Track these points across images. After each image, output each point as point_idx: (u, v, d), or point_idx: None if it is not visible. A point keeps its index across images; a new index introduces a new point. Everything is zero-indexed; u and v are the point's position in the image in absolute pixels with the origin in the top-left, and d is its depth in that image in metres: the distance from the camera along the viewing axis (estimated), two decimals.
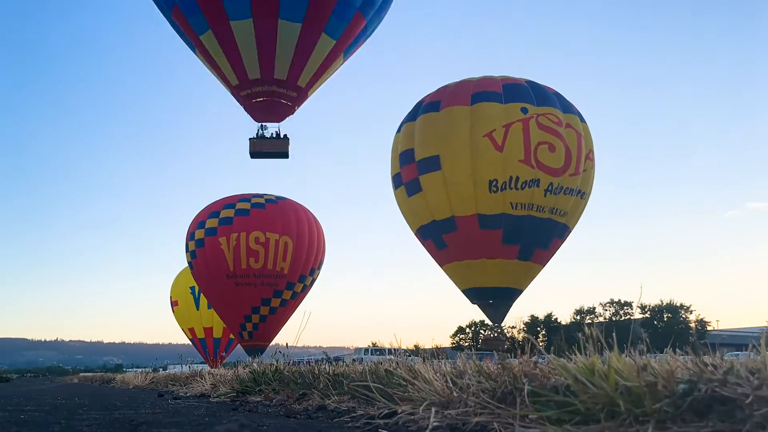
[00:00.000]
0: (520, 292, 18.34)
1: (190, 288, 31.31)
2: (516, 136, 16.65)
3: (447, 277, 19.12)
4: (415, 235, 18.90)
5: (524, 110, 16.95)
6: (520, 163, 16.62)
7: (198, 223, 24.67)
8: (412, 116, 18.62)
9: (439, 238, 17.87)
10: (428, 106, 18.15)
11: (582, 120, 18.11)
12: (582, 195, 17.71)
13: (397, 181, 18.69)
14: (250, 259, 23.13)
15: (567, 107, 17.84)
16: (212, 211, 24.64)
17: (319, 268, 25.36)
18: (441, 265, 18.73)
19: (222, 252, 23.21)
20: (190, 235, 24.89)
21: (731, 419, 1.98)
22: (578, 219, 18.39)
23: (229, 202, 24.71)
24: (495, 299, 18.20)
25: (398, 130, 19.06)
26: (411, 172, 17.81)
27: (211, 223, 24.01)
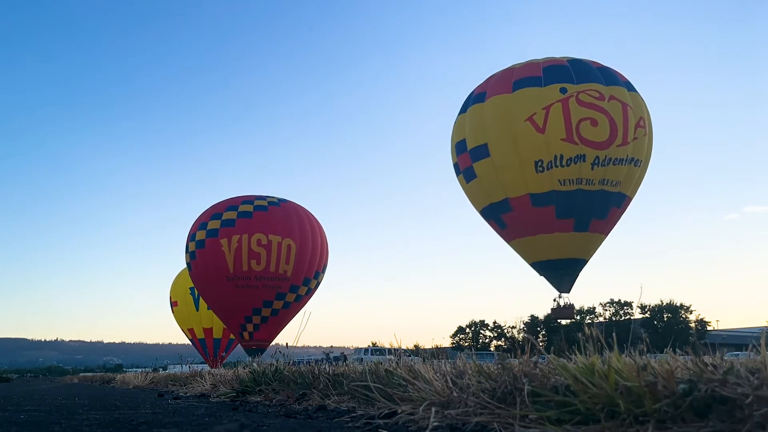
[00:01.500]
0: (585, 261, 19.30)
1: (190, 289, 31.25)
2: (556, 116, 17.58)
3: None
4: (482, 216, 20.24)
5: (563, 90, 17.80)
6: (563, 142, 17.51)
7: (200, 224, 24.58)
8: (464, 108, 19.93)
9: (498, 218, 19.27)
10: (476, 97, 19.41)
11: (630, 89, 18.63)
12: (636, 163, 18.25)
13: (456, 169, 20.21)
14: (251, 261, 23.04)
15: (611, 79, 18.42)
16: (214, 212, 24.52)
17: (323, 272, 25.26)
18: (507, 242, 19.87)
19: (223, 253, 23.12)
20: (191, 236, 24.81)
21: (731, 419, 1.98)
22: (637, 186, 18.98)
23: (231, 204, 24.59)
24: (559, 270, 19.21)
25: (454, 122, 20.40)
26: (466, 161, 19.29)
27: (213, 224, 23.88)
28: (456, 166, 20.15)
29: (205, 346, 32.95)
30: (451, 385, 3.13)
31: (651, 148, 19.00)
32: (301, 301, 24.37)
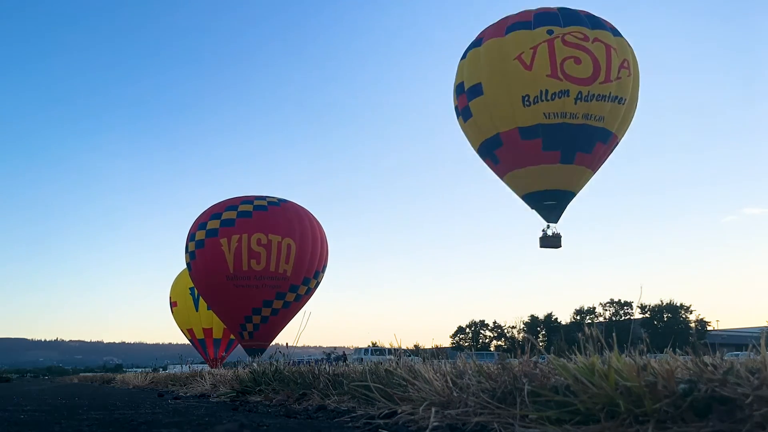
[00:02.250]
0: (573, 194, 20.36)
1: (190, 289, 31.24)
2: (542, 54, 18.86)
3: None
4: (479, 155, 21.38)
5: (550, 32, 19.12)
6: (548, 78, 18.70)
7: (199, 224, 24.53)
8: (464, 54, 21.22)
9: (492, 154, 20.49)
10: (474, 42, 20.91)
11: (615, 34, 19.81)
12: (620, 101, 19.24)
13: (456, 111, 21.46)
14: (251, 261, 23.01)
15: (596, 24, 19.68)
16: (214, 212, 24.45)
17: (323, 271, 25.21)
18: (501, 177, 20.96)
19: (222, 253, 23.07)
20: (191, 236, 24.76)
21: (731, 419, 1.98)
22: (624, 125, 19.98)
23: (231, 204, 24.54)
24: (547, 201, 20.35)
25: (457, 67, 21.66)
26: (463, 101, 20.66)
27: (212, 224, 23.81)
28: (456, 108, 21.31)
29: (205, 347, 32.94)
30: (451, 385, 3.13)
31: (637, 89, 19.97)
32: (300, 300, 24.33)
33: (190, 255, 24.75)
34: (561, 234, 20.76)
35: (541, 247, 21.11)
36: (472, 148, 21.51)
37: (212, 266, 23.57)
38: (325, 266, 25.37)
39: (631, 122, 20.25)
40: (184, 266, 27.63)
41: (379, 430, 3.09)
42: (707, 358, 2.36)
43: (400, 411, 3.25)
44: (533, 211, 20.90)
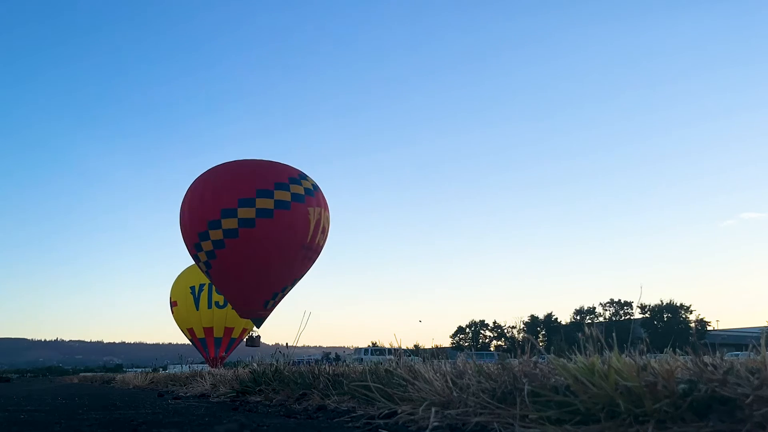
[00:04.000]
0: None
1: (190, 288, 31.23)
2: None
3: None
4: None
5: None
6: None
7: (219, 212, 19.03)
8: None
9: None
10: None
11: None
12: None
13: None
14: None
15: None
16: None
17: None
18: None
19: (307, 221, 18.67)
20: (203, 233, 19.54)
21: (731, 419, 1.98)
22: None
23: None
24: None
25: None
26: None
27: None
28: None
29: (206, 346, 32.93)
30: (451, 385, 3.13)
31: None
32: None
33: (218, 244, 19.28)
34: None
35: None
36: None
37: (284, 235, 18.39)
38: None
39: None
40: (185, 266, 27.00)
41: (379, 430, 3.09)
42: (707, 358, 2.36)
43: (400, 411, 3.25)
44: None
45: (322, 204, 19.13)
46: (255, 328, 21.54)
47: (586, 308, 65.77)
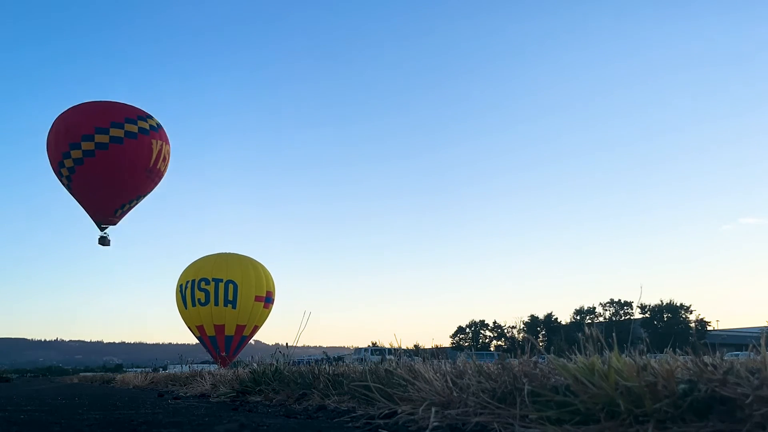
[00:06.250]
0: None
1: (179, 286, 31.14)
2: None
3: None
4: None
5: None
6: None
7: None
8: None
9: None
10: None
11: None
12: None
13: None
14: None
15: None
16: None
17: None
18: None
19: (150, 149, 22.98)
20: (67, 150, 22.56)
21: (731, 419, 1.98)
22: None
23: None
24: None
25: None
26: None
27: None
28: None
29: (216, 344, 32.89)
30: (451, 385, 3.13)
31: None
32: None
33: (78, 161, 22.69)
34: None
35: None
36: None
37: (131, 158, 22.55)
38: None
39: None
40: (188, 264, 27.41)
41: (379, 430, 3.09)
42: (707, 358, 2.36)
43: (400, 411, 3.25)
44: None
45: (164, 138, 24.10)
46: (106, 231, 24.47)
47: (586, 308, 65.78)
